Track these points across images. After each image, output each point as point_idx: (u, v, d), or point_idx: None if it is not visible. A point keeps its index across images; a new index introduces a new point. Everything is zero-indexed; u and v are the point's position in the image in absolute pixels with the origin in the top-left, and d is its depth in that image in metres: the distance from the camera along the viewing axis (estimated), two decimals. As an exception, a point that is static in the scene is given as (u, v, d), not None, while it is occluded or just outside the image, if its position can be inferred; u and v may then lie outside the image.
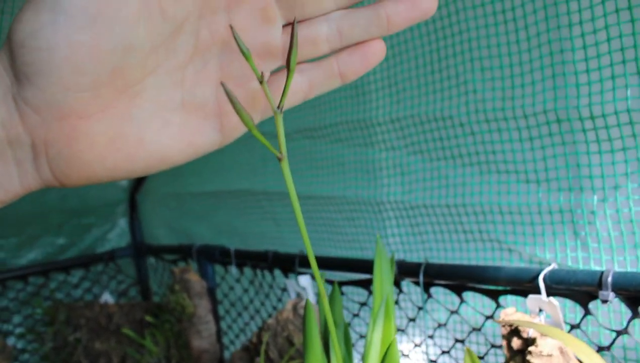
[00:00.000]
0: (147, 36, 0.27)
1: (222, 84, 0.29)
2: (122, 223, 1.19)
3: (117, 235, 1.18)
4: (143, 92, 0.29)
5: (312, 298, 0.70)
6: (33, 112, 0.26)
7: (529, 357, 0.44)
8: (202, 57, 0.30)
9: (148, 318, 0.98)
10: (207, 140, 0.31)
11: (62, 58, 0.25)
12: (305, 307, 0.47)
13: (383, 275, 0.46)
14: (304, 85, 0.32)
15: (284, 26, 0.31)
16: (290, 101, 0.32)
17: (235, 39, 0.29)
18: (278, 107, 0.31)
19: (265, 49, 0.31)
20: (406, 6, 0.30)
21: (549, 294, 0.48)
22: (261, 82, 0.30)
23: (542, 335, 0.45)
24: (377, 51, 0.32)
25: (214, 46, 0.30)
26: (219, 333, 0.94)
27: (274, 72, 0.32)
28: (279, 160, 0.32)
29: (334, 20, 0.31)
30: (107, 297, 1.07)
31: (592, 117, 0.48)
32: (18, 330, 1.06)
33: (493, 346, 0.56)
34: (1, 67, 0.26)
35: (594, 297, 0.47)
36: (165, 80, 0.29)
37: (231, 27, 0.29)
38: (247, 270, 0.85)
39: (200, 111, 0.30)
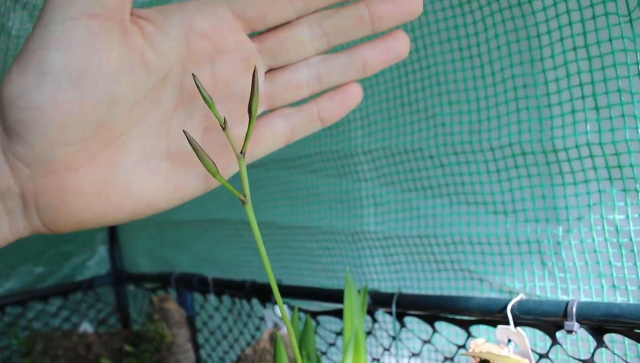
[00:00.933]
0: (130, 89, 0.28)
1: (185, 132, 0.30)
2: (102, 251, 1.18)
3: (97, 263, 1.17)
4: (129, 143, 0.29)
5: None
6: (23, 166, 0.27)
7: (496, 388, 0.45)
8: (187, 107, 0.31)
9: (127, 347, 0.97)
10: (192, 187, 0.32)
11: (49, 116, 0.26)
12: (275, 340, 0.47)
13: (353, 309, 0.46)
14: (287, 129, 0.33)
15: (267, 72, 0.32)
16: (273, 145, 0.33)
17: (197, 86, 0.30)
18: (241, 152, 0.32)
19: (249, 97, 0.32)
20: (381, 50, 0.32)
21: (517, 324, 0.49)
22: (224, 128, 0.31)
23: (510, 366, 0.46)
24: (354, 95, 0.33)
25: (199, 97, 0.31)
26: (199, 362, 0.93)
27: (258, 117, 0.33)
28: (243, 203, 0.33)
29: (314, 65, 0.32)
30: (86, 326, 1.06)
31: (555, 151, 0.49)
32: (-6, 362, 1.04)
33: (466, 375, 0.57)
34: None
35: (560, 326, 0.48)
36: (151, 130, 0.30)
37: (193, 75, 0.30)
38: (226, 299, 0.85)
39: (186, 160, 0.31)
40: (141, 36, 0.28)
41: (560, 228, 0.50)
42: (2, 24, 0.62)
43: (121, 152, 0.29)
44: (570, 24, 0.46)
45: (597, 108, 0.46)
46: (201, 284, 0.86)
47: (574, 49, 0.46)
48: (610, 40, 0.44)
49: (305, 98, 0.33)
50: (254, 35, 0.32)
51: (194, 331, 0.93)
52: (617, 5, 0.43)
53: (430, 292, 0.61)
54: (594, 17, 0.44)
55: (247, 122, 0.32)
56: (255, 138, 0.33)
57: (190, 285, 0.89)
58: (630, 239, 0.46)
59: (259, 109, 0.33)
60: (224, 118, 0.31)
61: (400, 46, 0.32)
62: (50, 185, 0.27)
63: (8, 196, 0.27)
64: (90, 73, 0.26)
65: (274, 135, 0.33)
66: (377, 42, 0.32)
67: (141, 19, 0.28)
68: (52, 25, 0.25)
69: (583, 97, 0.47)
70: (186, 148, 0.31)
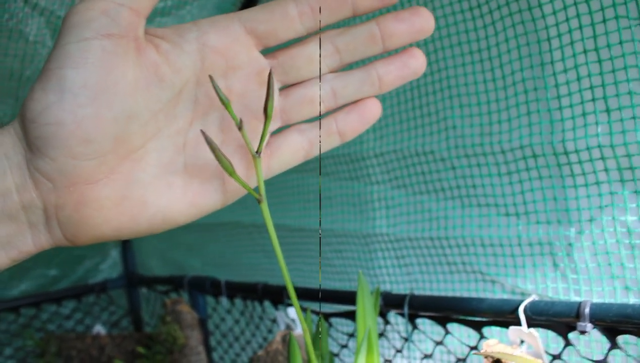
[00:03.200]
0: (146, 104, 0.29)
1: (202, 132, 0.30)
2: (114, 254, 1.19)
3: (109, 266, 1.19)
4: (146, 156, 0.30)
5: (300, 330, 0.71)
6: (45, 179, 0.28)
7: (509, 389, 0.45)
8: (202, 121, 0.32)
9: (140, 349, 0.98)
10: (210, 201, 0.32)
11: (69, 131, 0.27)
12: (289, 341, 0.48)
13: (366, 310, 0.47)
14: (305, 144, 0.33)
15: (281, 90, 0.33)
16: (292, 160, 0.34)
17: (214, 87, 0.31)
18: (257, 151, 0.32)
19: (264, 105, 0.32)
20: (396, 66, 0.32)
21: (529, 325, 0.49)
22: (240, 128, 0.32)
23: (522, 366, 0.46)
24: (373, 109, 0.33)
25: (214, 111, 0.32)
26: (211, 364, 0.94)
27: (275, 133, 0.34)
28: (258, 201, 0.34)
29: (328, 82, 0.32)
30: (99, 329, 1.07)
31: (566, 153, 0.49)
32: (9, 363, 1.06)
33: (478, 377, 0.57)
34: (16, 137, 0.28)
35: (573, 327, 0.48)
36: (167, 144, 0.31)
37: (210, 77, 0.31)
38: (238, 302, 0.85)
39: (203, 173, 0.32)
40: (156, 53, 0.29)
41: (572, 229, 0.50)
42: (20, 30, 0.64)
43: (138, 166, 0.30)
44: (580, 27, 0.46)
45: (608, 110, 0.46)
46: (214, 287, 0.87)
47: (585, 52, 0.47)
48: (620, 43, 0.44)
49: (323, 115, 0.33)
50: (268, 52, 0.32)
51: (206, 333, 0.94)
52: (627, 9, 0.43)
53: (442, 294, 0.62)
54: (604, 21, 0.45)
55: (261, 135, 0.33)
56: (272, 153, 0.34)
57: (202, 288, 0.90)
58: (642, 240, 0.46)
59: (274, 125, 0.33)
60: (240, 119, 0.32)
61: (415, 63, 0.32)
62: (71, 198, 0.28)
63: (31, 210, 0.28)
64: (106, 91, 0.27)
65: (292, 150, 0.33)
66: (392, 59, 0.32)
67: (157, 38, 0.30)
68: (69, 45, 0.27)
69: (594, 100, 0.47)
70: (203, 161, 0.31)
